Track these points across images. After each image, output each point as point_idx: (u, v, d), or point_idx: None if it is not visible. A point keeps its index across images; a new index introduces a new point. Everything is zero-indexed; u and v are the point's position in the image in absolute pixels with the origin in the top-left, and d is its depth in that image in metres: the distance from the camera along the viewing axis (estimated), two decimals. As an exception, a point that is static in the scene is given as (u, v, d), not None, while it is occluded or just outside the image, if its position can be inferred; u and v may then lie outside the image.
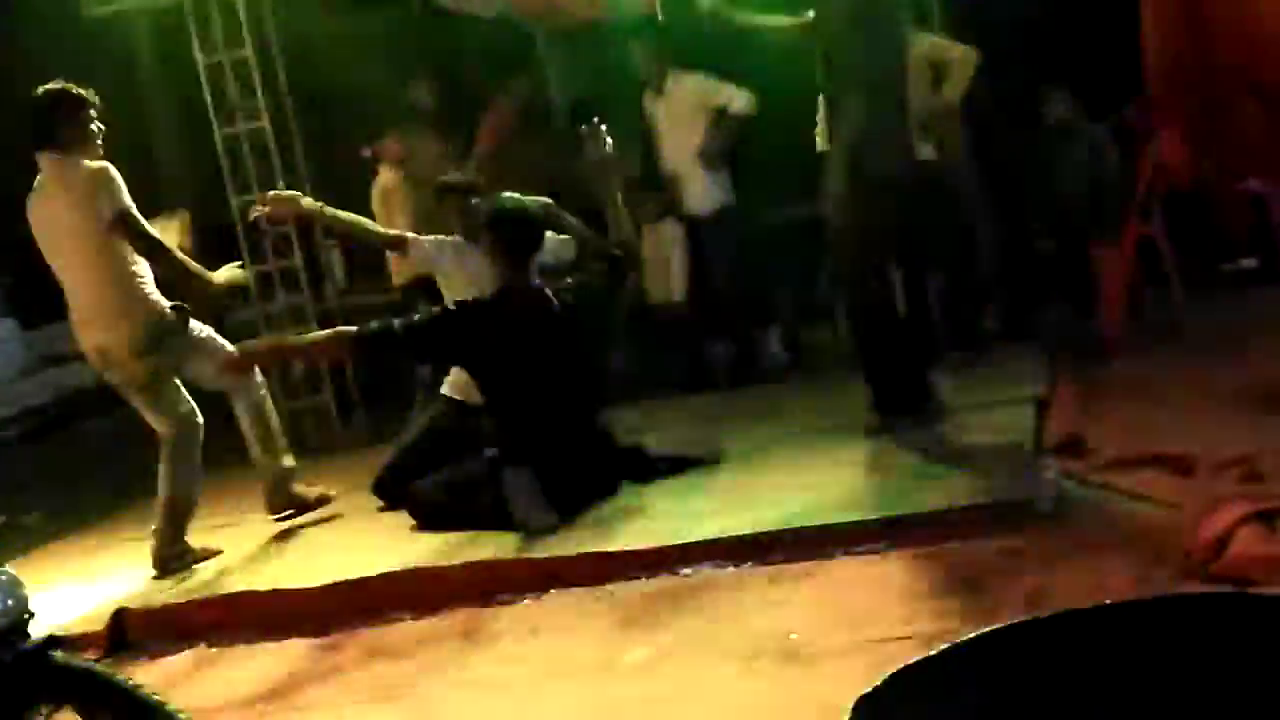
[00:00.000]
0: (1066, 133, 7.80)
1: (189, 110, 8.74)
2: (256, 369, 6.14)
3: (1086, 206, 7.57)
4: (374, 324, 5.68)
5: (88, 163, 5.65)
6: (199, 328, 5.96)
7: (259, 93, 8.12)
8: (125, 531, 6.97)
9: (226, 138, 8.18)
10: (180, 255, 5.88)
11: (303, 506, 6.36)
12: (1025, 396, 5.86)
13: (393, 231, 6.78)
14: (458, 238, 6.54)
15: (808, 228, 6.59)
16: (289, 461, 6.36)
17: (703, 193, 7.72)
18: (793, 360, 7.96)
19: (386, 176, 8.15)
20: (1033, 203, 7.71)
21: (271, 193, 6.46)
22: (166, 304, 5.82)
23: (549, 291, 5.71)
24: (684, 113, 7.67)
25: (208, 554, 6.00)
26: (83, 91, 5.71)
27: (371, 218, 7.27)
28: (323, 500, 6.39)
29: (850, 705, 1.86)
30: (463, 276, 6.33)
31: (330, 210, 6.38)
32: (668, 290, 7.83)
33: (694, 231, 7.78)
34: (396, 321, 5.67)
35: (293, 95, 8.34)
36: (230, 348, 5.98)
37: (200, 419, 5.97)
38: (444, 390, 6.48)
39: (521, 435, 5.61)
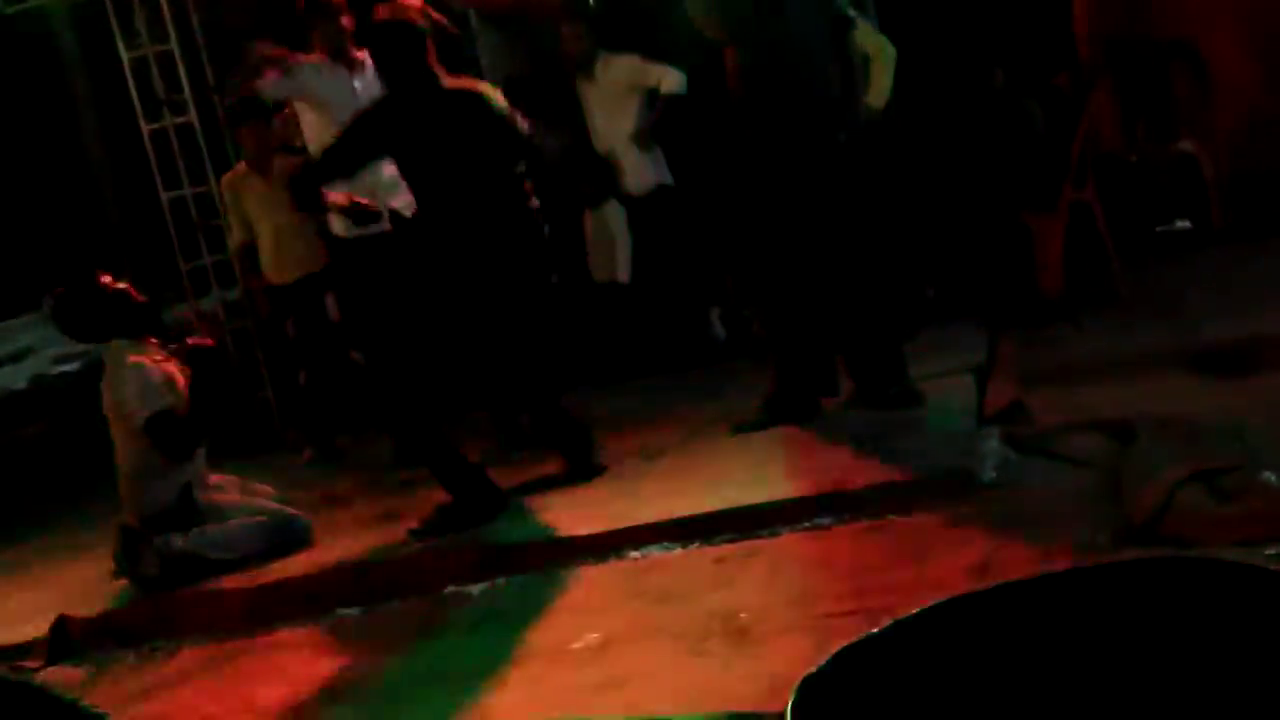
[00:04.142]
0: (996, 102, 7.82)
1: (115, 104, 8.62)
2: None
3: (1019, 174, 7.61)
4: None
5: (129, 360, 5.58)
6: (224, 501, 5.78)
7: (185, 86, 8.02)
8: (62, 539, 6.89)
9: (154, 132, 8.07)
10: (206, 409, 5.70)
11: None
12: (965, 366, 5.89)
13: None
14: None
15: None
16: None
17: (639, 174, 7.70)
18: (734, 339, 7.97)
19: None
20: (966, 172, 7.73)
21: None
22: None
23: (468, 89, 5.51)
24: (616, 95, 7.65)
25: None
26: (121, 286, 5.66)
27: None
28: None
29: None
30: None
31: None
32: (612, 272, 7.80)
33: (634, 212, 7.77)
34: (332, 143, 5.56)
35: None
36: (272, 505, 5.87)
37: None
38: None
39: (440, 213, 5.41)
